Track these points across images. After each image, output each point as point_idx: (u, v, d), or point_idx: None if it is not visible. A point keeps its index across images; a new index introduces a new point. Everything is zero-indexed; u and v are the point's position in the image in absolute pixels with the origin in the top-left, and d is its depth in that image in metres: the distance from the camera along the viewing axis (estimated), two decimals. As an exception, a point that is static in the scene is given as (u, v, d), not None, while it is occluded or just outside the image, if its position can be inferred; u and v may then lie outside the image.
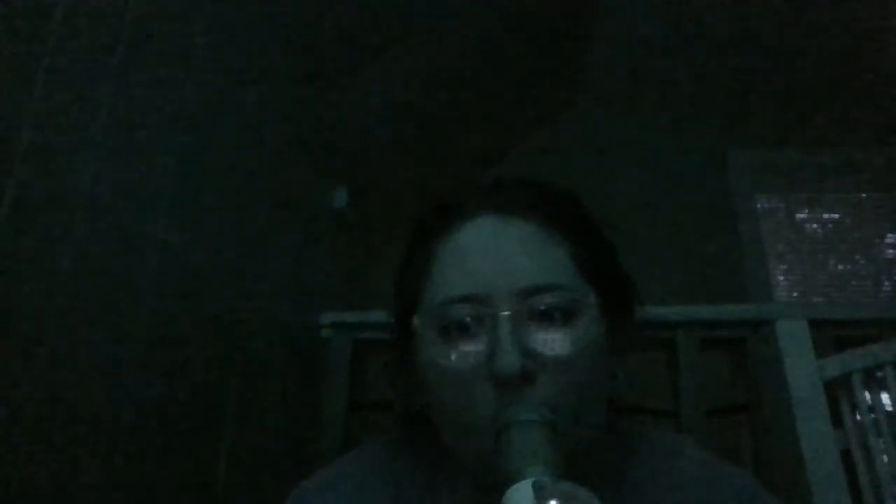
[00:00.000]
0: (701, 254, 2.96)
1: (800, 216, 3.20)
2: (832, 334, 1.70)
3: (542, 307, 0.54)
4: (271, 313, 1.70)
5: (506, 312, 0.53)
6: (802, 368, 1.57)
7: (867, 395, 1.53)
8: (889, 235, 3.11)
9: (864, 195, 3.20)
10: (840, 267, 3.07)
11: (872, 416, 1.50)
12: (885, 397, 1.53)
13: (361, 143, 2.31)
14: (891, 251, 3.08)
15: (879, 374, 1.54)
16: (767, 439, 1.62)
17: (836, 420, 1.53)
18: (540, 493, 0.43)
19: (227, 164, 1.45)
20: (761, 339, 1.71)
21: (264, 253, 1.65)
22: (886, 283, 3.01)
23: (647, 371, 2.05)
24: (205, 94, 1.35)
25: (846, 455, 1.49)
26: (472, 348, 0.54)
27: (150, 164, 1.15)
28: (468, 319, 0.55)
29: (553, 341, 0.53)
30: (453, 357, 0.54)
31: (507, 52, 2.59)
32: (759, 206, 3.16)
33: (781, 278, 3.05)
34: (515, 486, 0.45)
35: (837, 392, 1.56)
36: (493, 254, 0.56)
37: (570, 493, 0.41)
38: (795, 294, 3.02)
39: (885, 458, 1.45)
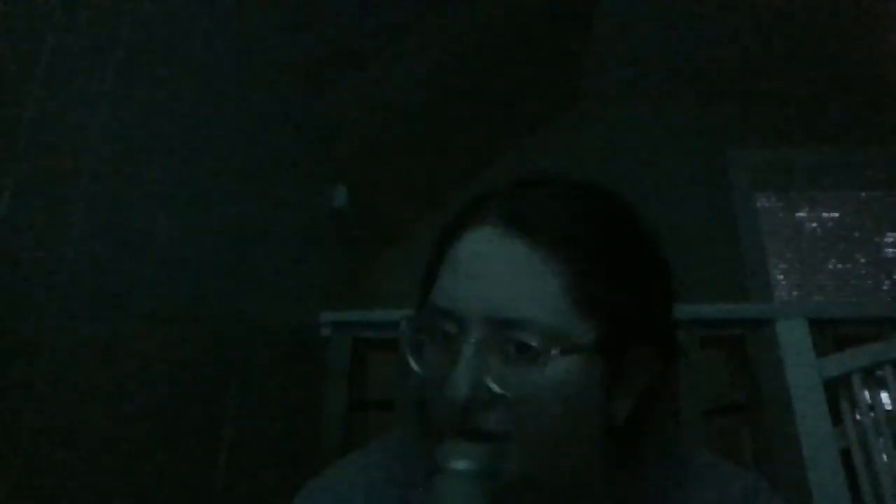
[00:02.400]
0: (700, 252, 2.96)
1: (799, 215, 3.20)
2: (832, 333, 1.70)
3: (515, 342, 0.51)
4: (271, 312, 1.70)
5: (472, 340, 0.52)
6: (802, 367, 1.57)
7: (867, 394, 1.54)
8: (889, 234, 3.11)
9: (863, 194, 3.21)
10: (840, 266, 3.07)
11: (872, 414, 1.50)
12: (884, 396, 1.53)
13: (361, 142, 2.31)
14: (890, 250, 3.08)
15: (879, 373, 1.54)
16: (767, 438, 1.62)
17: (836, 419, 1.53)
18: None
19: (227, 162, 1.45)
20: (761, 339, 1.71)
21: (264, 252, 1.65)
22: (886, 282, 3.02)
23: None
24: (204, 93, 1.35)
25: (845, 454, 1.49)
26: (438, 363, 0.54)
27: (150, 162, 1.15)
28: (451, 331, 0.54)
29: (510, 378, 0.51)
30: (423, 367, 0.55)
31: (506, 51, 2.59)
32: (758, 204, 3.16)
33: (781, 277, 3.05)
34: None
35: (837, 391, 1.56)
36: (480, 274, 0.54)
37: None
38: (795, 293, 3.03)
39: (885, 457, 1.45)
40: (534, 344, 0.51)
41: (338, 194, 2.19)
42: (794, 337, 1.61)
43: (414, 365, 0.56)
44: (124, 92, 1.07)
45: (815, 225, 3.17)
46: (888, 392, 1.52)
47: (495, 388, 0.50)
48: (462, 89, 2.56)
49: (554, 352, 0.51)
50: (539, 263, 0.52)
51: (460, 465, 0.50)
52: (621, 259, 0.56)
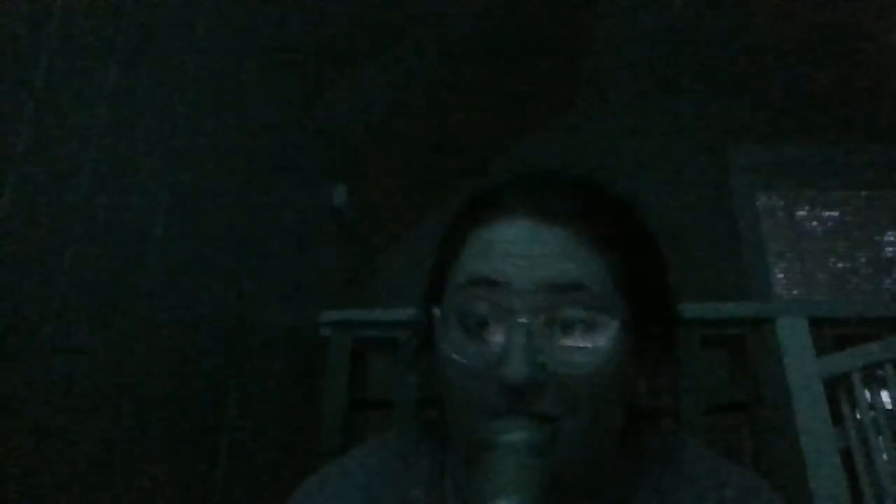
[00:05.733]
0: (701, 251, 2.96)
1: (800, 214, 3.20)
2: (832, 332, 1.70)
3: (564, 316, 0.52)
4: (271, 311, 1.70)
5: (524, 317, 0.51)
6: (802, 366, 1.57)
7: (867, 393, 1.53)
8: (889, 233, 3.11)
9: (864, 193, 3.21)
10: (840, 265, 3.07)
11: (872, 414, 1.50)
12: (884, 395, 1.53)
13: (360, 141, 2.31)
14: (891, 249, 3.08)
15: (879, 372, 1.54)
16: (767, 437, 1.62)
17: (836, 418, 1.53)
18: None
19: (226, 161, 1.45)
20: (761, 338, 1.71)
21: (264, 251, 1.65)
22: (887, 281, 3.02)
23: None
24: (203, 93, 1.35)
25: (846, 453, 1.49)
26: (485, 349, 0.53)
27: (149, 162, 1.15)
28: (486, 315, 0.53)
29: (569, 356, 0.51)
30: (467, 354, 0.53)
31: (506, 50, 2.59)
32: (759, 203, 3.16)
33: (781, 276, 3.05)
34: None
35: (837, 390, 1.56)
36: (524, 250, 0.54)
37: None
38: (795, 292, 3.03)
39: (885, 456, 1.45)
40: (584, 314, 0.52)
41: (337, 193, 2.19)
42: (794, 336, 1.61)
43: (460, 353, 0.53)
44: (124, 92, 1.07)
45: (815, 224, 3.17)
46: (888, 391, 1.51)
47: (558, 365, 0.51)
48: (462, 88, 2.56)
49: (605, 325, 0.52)
50: (580, 246, 0.54)
51: (516, 436, 0.49)
52: (642, 246, 0.59)
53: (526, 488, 0.46)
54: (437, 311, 0.58)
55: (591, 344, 0.52)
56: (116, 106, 1.05)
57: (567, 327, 0.52)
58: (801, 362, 1.58)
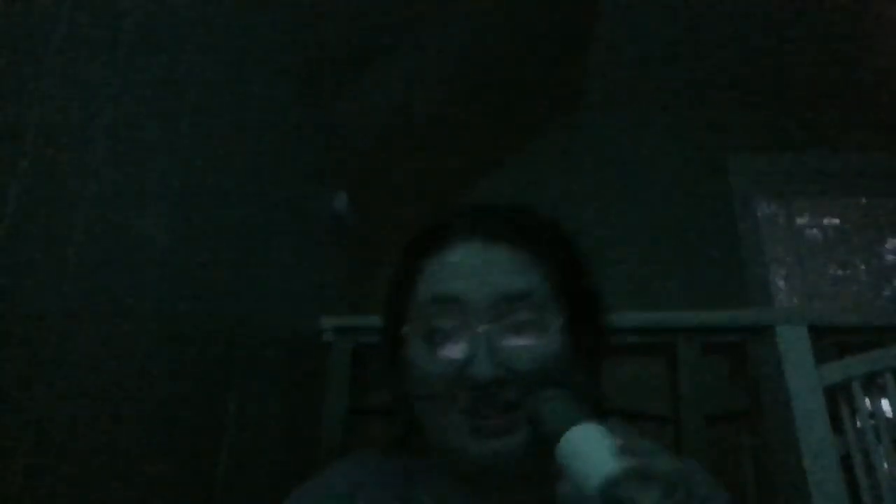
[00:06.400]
0: (701, 258, 2.96)
1: (800, 221, 3.20)
2: (833, 340, 1.70)
3: (515, 320, 0.61)
4: (272, 317, 1.71)
5: (483, 326, 0.60)
6: (803, 374, 1.57)
7: (867, 401, 1.53)
8: (889, 241, 3.11)
9: (864, 200, 3.21)
10: (840, 272, 3.07)
11: (872, 422, 1.50)
12: (885, 403, 1.53)
13: (361, 148, 2.31)
14: (891, 257, 3.08)
15: (880, 380, 1.54)
16: (767, 445, 1.62)
17: (836, 426, 1.53)
18: (607, 429, 0.50)
19: (229, 168, 1.46)
20: (762, 345, 1.71)
21: (265, 257, 1.65)
22: (887, 289, 3.01)
23: (648, 376, 2.06)
24: (206, 98, 1.35)
25: (846, 460, 1.48)
26: (452, 356, 0.61)
27: (152, 167, 1.16)
28: (449, 327, 0.62)
29: (522, 353, 0.60)
30: (437, 363, 0.62)
31: (507, 56, 2.60)
32: (759, 211, 3.16)
33: (781, 283, 3.05)
34: (581, 427, 0.51)
35: (837, 398, 1.56)
36: (476, 268, 0.64)
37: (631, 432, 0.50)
38: (795, 299, 3.03)
39: (885, 465, 1.45)
40: (532, 316, 0.62)
41: (338, 200, 2.19)
42: (794, 343, 1.61)
43: (429, 363, 0.62)
44: (127, 96, 1.07)
45: (815, 231, 3.17)
46: (889, 399, 1.51)
47: (515, 362, 0.60)
48: (463, 95, 2.57)
49: (550, 326, 0.62)
50: (522, 262, 0.64)
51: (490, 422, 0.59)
52: (569, 256, 0.69)
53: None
54: (406, 330, 0.66)
55: (539, 341, 0.61)
56: (119, 111, 1.05)
57: (518, 329, 0.61)
58: (802, 370, 1.57)
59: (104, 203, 1.01)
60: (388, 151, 2.44)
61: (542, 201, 0.72)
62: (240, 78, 1.52)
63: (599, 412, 0.55)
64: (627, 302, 2.70)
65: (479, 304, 0.61)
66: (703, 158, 3.22)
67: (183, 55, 1.27)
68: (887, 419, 1.51)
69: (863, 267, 3.07)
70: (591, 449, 0.49)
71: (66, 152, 0.94)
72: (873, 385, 1.55)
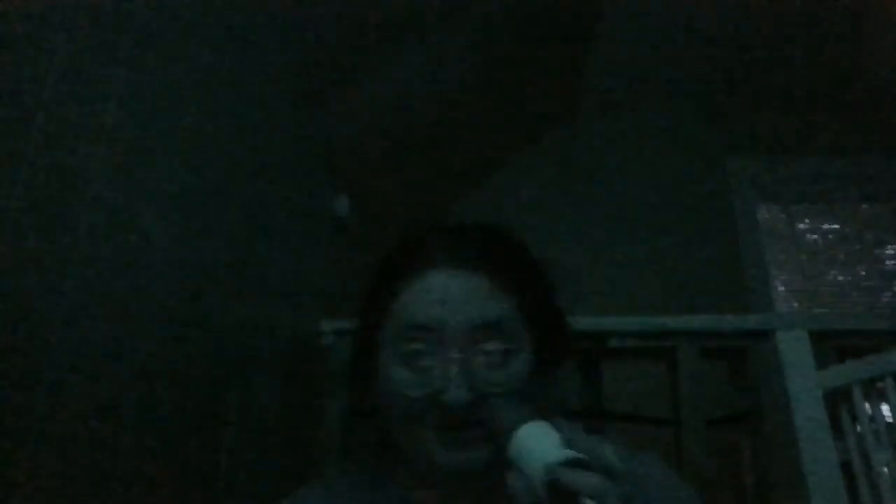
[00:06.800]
0: (702, 263, 2.96)
1: (800, 226, 3.20)
2: (833, 345, 1.70)
3: (487, 349, 0.64)
4: (272, 319, 1.71)
5: (457, 353, 0.63)
6: (803, 379, 1.57)
7: (867, 406, 1.53)
8: (889, 246, 3.11)
9: (864, 205, 3.21)
10: (840, 277, 3.07)
11: (873, 426, 1.50)
12: (885, 408, 1.53)
13: (362, 152, 2.32)
14: (891, 262, 3.08)
15: (880, 384, 1.54)
16: (767, 449, 1.62)
17: (837, 431, 1.53)
18: (559, 427, 0.53)
19: (231, 171, 1.46)
20: (762, 350, 1.71)
21: (266, 259, 1.65)
22: (886, 294, 3.01)
23: (648, 380, 2.06)
24: (207, 101, 1.36)
25: (846, 465, 1.48)
26: (427, 380, 0.64)
27: (154, 169, 1.16)
28: (425, 353, 0.64)
29: (492, 379, 0.63)
30: (410, 385, 0.64)
31: (507, 61, 2.61)
32: (759, 215, 3.16)
33: (782, 288, 3.05)
34: (529, 424, 0.54)
35: (838, 403, 1.56)
36: (452, 297, 0.66)
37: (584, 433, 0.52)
38: (795, 304, 3.03)
39: (886, 470, 1.45)
40: (506, 345, 0.65)
41: (339, 203, 2.20)
42: (795, 348, 1.61)
43: (405, 385, 0.64)
44: (129, 97, 1.08)
45: (815, 236, 3.17)
46: (889, 404, 1.51)
47: (486, 387, 0.62)
48: (462, 99, 2.57)
49: (518, 352, 0.65)
50: (496, 291, 0.67)
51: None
52: (541, 286, 0.73)
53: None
54: (381, 340, 0.69)
55: (509, 367, 0.65)
56: (122, 113, 1.05)
57: (490, 356, 0.64)
58: (802, 375, 1.57)
59: (107, 203, 1.02)
60: (389, 154, 2.44)
61: (541, 205, 0.73)
62: (241, 77, 1.52)
63: (562, 413, 0.58)
64: (628, 306, 2.72)
65: (455, 332, 0.64)
66: (704, 163, 3.23)
67: (184, 53, 1.27)
68: (887, 424, 1.51)
69: (863, 272, 3.07)
70: (536, 443, 0.53)
71: (68, 151, 0.94)
72: (873, 390, 1.55)
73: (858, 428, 1.52)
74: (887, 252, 3.10)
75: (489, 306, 0.66)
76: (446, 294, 0.66)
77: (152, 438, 1.13)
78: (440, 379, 0.63)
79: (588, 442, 0.51)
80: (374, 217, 2.45)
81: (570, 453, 0.50)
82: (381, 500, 0.71)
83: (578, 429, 0.54)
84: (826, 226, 3.19)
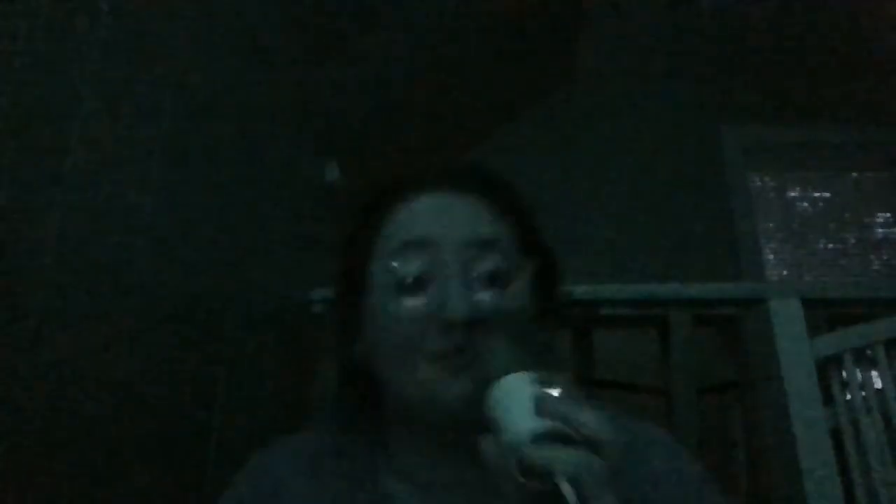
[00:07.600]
0: (693, 231, 2.97)
1: (791, 195, 3.20)
2: (823, 313, 1.70)
3: (486, 269, 0.61)
4: (262, 288, 1.69)
5: (455, 269, 0.60)
6: (795, 347, 1.57)
7: (858, 373, 1.54)
8: (879, 214, 3.13)
9: (855, 174, 3.21)
10: (830, 245, 3.08)
11: (862, 393, 1.51)
12: (874, 375, 1.54)
13: (352, 118, 2.28)
14: (881, 230, 3.09)
15: (869, 352, 1.55)
16: (759, 417, 1.63)
17: (827, 398, 1.54)
18: (550, 383, 0.48)
19: (217, 137, 1.43)
20: (754, 318, 1.71)
21: (255, 227, 1.63)
22: (876, 262, 3.03)
23: (640, 348, 2.07)
24: (196, 67, 1.32)
25: (835, 432, 1.50)
26: (423, 301, 0.60)
27: (140, 138, 1.13)
28: (421, 271, 0.60)
29: (494, 299, 0.60)
30: (405, 309, 0.60)
31: (500, 26, 2.56)
32: (750, 183, 3.16)
33: (771, 256, 3.06)
34: (506, 378, 0.50)
35: (828, 371, 1.56)
36: (445, 214, 0.63)
37: (568, 385, 0.48)
38: (785, 272, 3.04)
39: (873, 435, 1.46)
40: (503, 266, 0.61)
41: (328, 169, 2.16)
42: (787, 316, 1.61)
43: (398, 307, 0.60)
44: (111, 63, 1.04)
45: (806, 205, 3.18)
46: (878, 371, 1.52)
47: (486, 307, 0.59)
48: (454, 65, 2.53)
49: (517, 276, 0.62)
50: (489, 212, 0.65)
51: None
52: (528, 214, 0.70)
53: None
54: (372, 270, 0.64)
55: (509, 291, 0.61)
56: (103, 83, 1.02)
57: (487, 277, 0.61)
58: (794, 343, 1.58)
59: (90, 176, 0.99)
60: (378, 122, 2.40)
61: (534, 173, 0.71)
62: (230, 47, 1.48)
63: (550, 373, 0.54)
64: (620, 274, 2.72)
65: (450, 247, 0.61)
66: (696, 132, 3.21)
67: (169, 20, 1.23)
68: (876, 390, 1.52)
69: (853, 241, 3.08)
70: (513, 403, 0.49)
71: (50, 122, 0.91)
72: (863, 357, 1.55)
73: (849, 395, 1.53)
74: (877, 220, 3.11)
75: (485, 225, 0.63)
76: (440, 211, 0.64)
77: (137, 420, 1.11)
78: (440, 295, 0.59)
79: (567, 406, 0.46)
80: (364, 183, 2.42)
81: (544, 425, 0.46)
82: (359, 460, 0.67)
83: (568, 382, 0.50)
84: (816, 194, 3.20)
